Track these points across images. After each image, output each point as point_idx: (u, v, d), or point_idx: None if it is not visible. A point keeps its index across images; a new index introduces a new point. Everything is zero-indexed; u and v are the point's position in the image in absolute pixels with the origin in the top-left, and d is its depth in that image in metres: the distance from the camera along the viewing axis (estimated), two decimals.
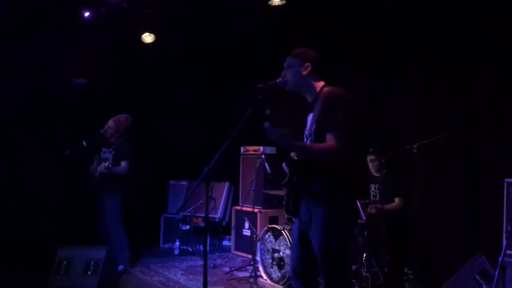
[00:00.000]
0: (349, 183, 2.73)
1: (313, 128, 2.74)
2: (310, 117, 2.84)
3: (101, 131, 5.27)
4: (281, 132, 2.61)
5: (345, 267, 2.74)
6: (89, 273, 4.33)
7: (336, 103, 2.67)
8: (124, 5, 5.83)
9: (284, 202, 2.93)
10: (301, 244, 2.83)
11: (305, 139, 2.90)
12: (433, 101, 4.78)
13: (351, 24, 5.39)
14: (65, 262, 4.40)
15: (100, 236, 5.21)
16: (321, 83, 2.88)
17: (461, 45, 4.46)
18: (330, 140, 2.63)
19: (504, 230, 3.59)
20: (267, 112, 2.61)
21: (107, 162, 5.04)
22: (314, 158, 2.72)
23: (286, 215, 3.11)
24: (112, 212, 5.18)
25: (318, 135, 2.70)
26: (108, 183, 5.14)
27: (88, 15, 5.96)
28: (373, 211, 4.62)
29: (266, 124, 2.62)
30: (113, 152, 5.15)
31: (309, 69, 2.84)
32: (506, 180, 3.69)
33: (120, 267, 5.18)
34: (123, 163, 5.20)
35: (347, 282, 2.76)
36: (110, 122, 5.30)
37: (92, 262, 4.36)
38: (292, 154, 2.82)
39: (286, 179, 2.89)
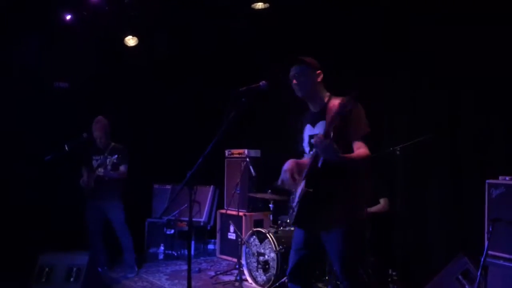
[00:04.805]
0: (362, 187, 2.86)
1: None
2: (318, 126, 2.91)
3: (84, 135, 5.20)
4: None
5: (359, 267, 2.94)
6: (71, 279, 4.27)
7: (358, 112, 2.80)
8: (106, 8, 5.79)
9: (292, 212, 2.91)
10: (307, 248, 2.91)
11: (305, 149, 2.98)
12: (416, 103, 4.82)
13: (334, 26, 5.43)
14: (46, 269, 4.33)
15: (89, 241, 5.20)
16: (328, 94, 3.01)
17: (445, 47, 4.51)
18: (361, 147, 2.77)
19: (486, 230, 3.63)
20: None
21: (107, 166, 5.06)
22: (357, 167, 2.82)
23: (294, 225, 3.09)
24: (121, 219, 5.27)
25: (338, 144, 2.72)
26: (108, 191, 5.15)
27: (70, 18, 5.90)
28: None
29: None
30: (109, 156, 5.12)
31: (321, 76, 2.99)
32: (487, 181, 3.72)
33: (135, 269, 5.44)
34: (122, 168, 5.21)
35: (362, 280, 2.99)
36: (98, 133, 5.21)
37: (74, 269, 4.30)
38: (310, 164, 2.81)
39: (298, 189, 2.86)
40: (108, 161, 5.08)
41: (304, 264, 2.97)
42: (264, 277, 4.87)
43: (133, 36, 6.40)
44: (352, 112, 2.72)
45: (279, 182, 2.96)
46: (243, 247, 5.18)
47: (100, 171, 5.09)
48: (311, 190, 2.76)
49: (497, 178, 3.68)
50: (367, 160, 2.79)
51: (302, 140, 3.05)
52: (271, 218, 5.50)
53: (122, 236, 5.30)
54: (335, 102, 2.81)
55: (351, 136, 2.79)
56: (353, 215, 2.80)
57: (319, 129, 2.90)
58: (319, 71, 3.00)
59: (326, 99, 2.97)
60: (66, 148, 5.03)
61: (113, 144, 5.31)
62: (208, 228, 6.77)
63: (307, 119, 3.02)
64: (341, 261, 2.82)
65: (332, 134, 2.71)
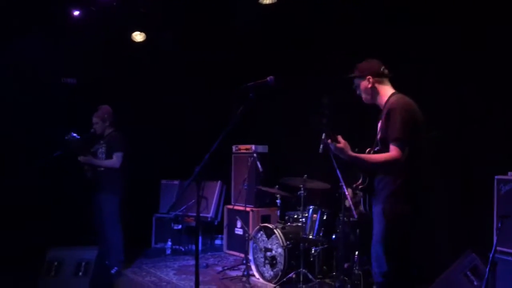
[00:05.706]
0: (407, 184, 2.83)
1: (378, 137, 2.91)
2: (379, 125, 2.99)
3: (91, 130, 5.23)
4: (340, 147, 2.76)
5: (394, 266, 2.83)
6: (80, 274, 4.28)
7: (394, 114, 2.80)
8: (114, 3, 5.80)
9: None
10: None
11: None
12: (424, 100, 4.77)
13: (341, 21, 5.40)
14: (55, 263, 4.34)
15: (97, 236, 5.18)
16: (390, 91, 3.02)
17: (451, 44, 4.47)
18: (392, 150, 2.76)
19: (495, 226, 3.61)
20: (326, 101, 2.67)
21: (99, 155, 5.09)
22: (375, 168, 2.86)
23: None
24: (109, 214, 5.12)
25: (382, 144, 2.87)
26: (103, 183, 5.12)
27: (78, 14, 5.92)
28: (364, 210, 4.63)
29: (324, 140, 2.76)
30: (104, 145, 5.12)
31: (371, 80, 3.01)
32: (496, 177, 3.70)
33: (114, 269, 5.14)
34: (114, 156, 5.11)
35: (397, 280, 2.84)
36: (94, 119, 5.25)
37: (83, 263, 4.31)
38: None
39: (359, 181, 3.03)
40: (100, 150, 5.12)
41: None
42: (271, 272, 4.88)
43: (140, 32, 6.41)
44: (390, 114, 2.78)
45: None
46: (250, 243, 5.19)
47: (81, 157, 5.04)
48: (363, 185, 2.96)
49: (506, 174, 3.66)
50: (388, 164, 2.76)
51: None
52: (278, 213, 5.50)
53: (110, 232, 5.10)
54: (391, 101, 2.90)
55: (388, 139, 2.81)
56: (391, 209, 2.80)
57: (378, 127, 3.00)
58: (368, 77, 3.02)
59: (386, 98, 2.99)
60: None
61: (112, 132, 5.28)
62: (216, 223, 6.80)
63: (378, 117, 3.09)
64: (372, 249, 2.84)
65: (379, 136, 2.84)
